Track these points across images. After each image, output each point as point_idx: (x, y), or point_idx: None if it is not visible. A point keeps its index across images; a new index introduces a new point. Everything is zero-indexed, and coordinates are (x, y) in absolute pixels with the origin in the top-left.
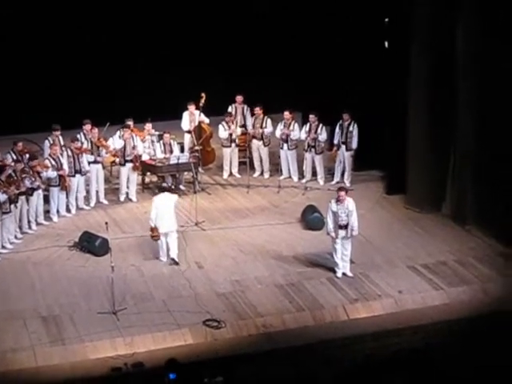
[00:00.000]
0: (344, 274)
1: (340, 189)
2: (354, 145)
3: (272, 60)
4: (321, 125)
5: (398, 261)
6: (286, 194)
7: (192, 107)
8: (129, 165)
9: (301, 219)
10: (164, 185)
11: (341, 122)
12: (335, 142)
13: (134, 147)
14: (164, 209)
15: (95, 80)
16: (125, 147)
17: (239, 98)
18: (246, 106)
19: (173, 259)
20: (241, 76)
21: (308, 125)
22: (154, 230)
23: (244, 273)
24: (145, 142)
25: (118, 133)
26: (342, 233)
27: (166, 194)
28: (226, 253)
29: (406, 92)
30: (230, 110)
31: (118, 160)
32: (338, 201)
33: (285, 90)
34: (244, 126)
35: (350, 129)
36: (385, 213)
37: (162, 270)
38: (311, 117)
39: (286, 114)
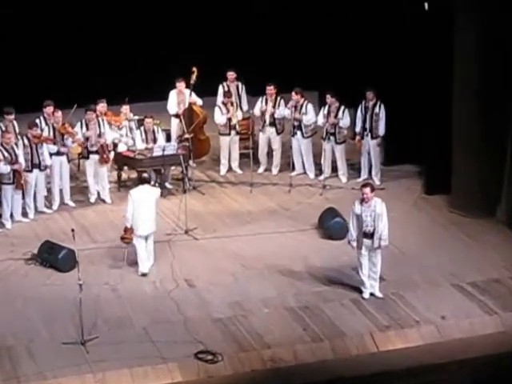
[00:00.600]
0: (372, 294)
1: (364, 185)
2: (381, 131)
3: (281, 25)
4: (342, 107)
5: (441, 278)
6: (300, 195)
7: (181, 85)
8: (94, 157)
9: (318, 226)
10: (144, 175)
11: (363, 102)
12: (357, 129)
13: (100, 135)
14: (143, 205)
15: (63, 53)
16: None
17: (231, 75)
18: (240, 84)
19: (144, 274)
20: (243, 47)
21: (326, 107)
22: (128, 231)
23: (246, 293)
24: (121, 129)
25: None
26: (367, 242)
27: (147, 187)
28: (223, 268)
29: (449, 66)
30: (220, 89)
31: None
32: (363, 201)
33: (296, 64)
34: (240, 108)
35: (376, 110)
36: (423, 217)
37: (144, 289)
38: (328, 97)
39: (295, 94)
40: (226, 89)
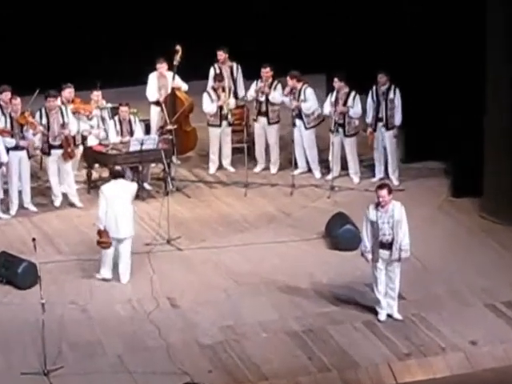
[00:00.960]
0: (390, 316)
1: (380, 186)
2: (398, 120)
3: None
4: (353, 93)
5: (470, 296)
6: (303, 197)
7: (162, 67)
8: (57, 152)
9: (325, 234)
10: (117, 168)
11: (375, 87)
12: (368, 119)
13: (63, 125)
14: (117, 204)
15: (22, 30)
16: (49, 125)
17: (221, 55)
18: (235, 65)
19: (105, 279)
20: (238, 20)
21: (334, 93)
22: (102, 233)
23: (240, 314)
24: (91, 119)
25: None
26: (384, 254)
27: (121, 182)
28: (213, 284)
29: (481, 44)
30: (212, 71)
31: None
32: (379, 205)
33: (300, 42)
34: (235, 94)
35: (390, 96)
36: (450, 224)
37: (118, 310)
38: (336, 81)
39: (290, 79)
40: (218, 71)
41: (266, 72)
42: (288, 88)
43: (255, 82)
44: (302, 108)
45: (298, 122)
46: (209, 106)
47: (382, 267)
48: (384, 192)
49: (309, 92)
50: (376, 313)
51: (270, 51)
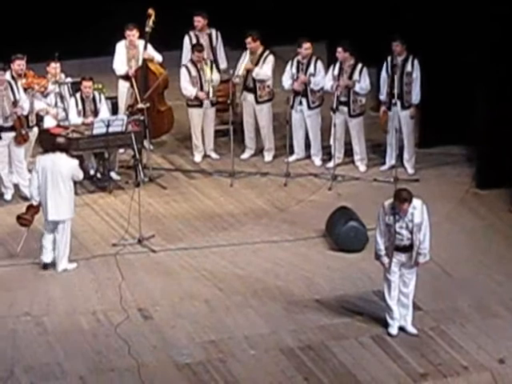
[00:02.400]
0: (402, 329)
1: (402, 199)
2: (416, 97)
3: None
4: (359, 65)
5: (498, 306)
6: (300, 189)
7: (132, 34)
8: (8, 135)
9: (326, 232)
10: (60, 140)
11: (390, 59)
12: (381, 96)
13: (14, 103)
14: (52, 179)
15: None
16: None
17: (199, 21)
18: (214, 31)
19: (45, 265)
20: None
21: (337, 65)
22: (31, 210)
23: (225, 328)
24: (47, 96)
25: None
26: (400, 257)
27: (60, 155)
28: (192, 292)
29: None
30: (187, 41)
31: None
32: (398, 213)
33: (294, 4)
34: (217, 67)
35: (408, 69)
36: (475, 221)
37: (80, 323)
38: (340, 51)
39: (306, 45)
40: (195, 40)
41: (250, 42)
42: (302, 59)
43: (243, 55)
44: (310, 83)
45: (301, 100)
46: (187, 87)
47: (396, 269)
48: (406, 206)
49: (320, 65)
50: (386, 325)
51: (256, 16)
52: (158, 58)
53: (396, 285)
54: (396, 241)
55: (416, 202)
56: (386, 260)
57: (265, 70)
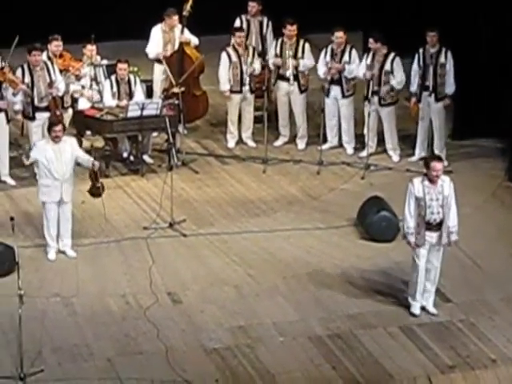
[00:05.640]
0: (424, 309)
1: (435, 158)
2: (450, 89)
3: None
4: (392, 55)
5: None
6: (333, 177)
7: (171, 19)
8: (43, 116)
9: (357, 221)
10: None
11: (422, 50)
12: (412, 88)
13: (50, 84)
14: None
15: None
16: (33, 84)
17: (254, 6)
18: (266, 19)
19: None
20: None
21: (370, 55)
22: (93, 174)
23: (254, 314)
24: (82, 79)
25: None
26: (431, 237)
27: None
28: (222, 277)
29: None
30: (237, 24)
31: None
32: (428, 179)
33: None
34: (262, 54)
35: (442, 60)
36: (507, 214)
37: (109, 306)
38: (372, 42)
39: (339, 34)
40: (240, 24)
41: (289, 30)
42: (337, 47)
43: (274, 42)
44: (344, 70)
45: (333, 88)
46: (225, 73)
47: (424, 253)
48: (440, 165)
49: (354, 53)
50: (409, 306)
51: (293, 5)
52: (195, 41)
53: (422, 268)
54: (427, 215)
55: (445, 177)
56: (412, 239)
57: (310, 61)
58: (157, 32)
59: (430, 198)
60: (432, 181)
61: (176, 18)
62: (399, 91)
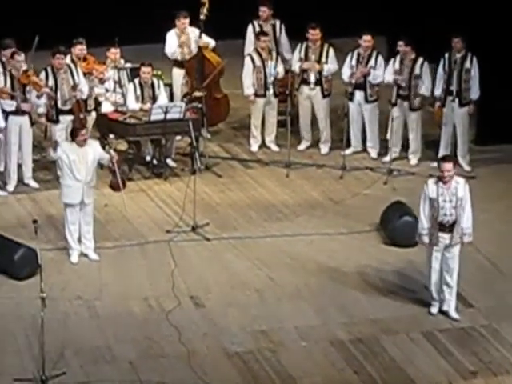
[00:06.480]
0: (444, 312)
1: (444, 159)
2: (475, 94)
3: None
4: (420, 59)
5: None
6: (356, 182)
7: (182, 22)
8: (66, 119)
9: (380, 226)
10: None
11: (447, 55)
12: (437, 92)
13: (73, 87)
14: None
15: None
16: (56, 87)
17: (265, 11)
18: (278, 22)
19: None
20: None
21: (398, 59)
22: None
23: (276, 318)
24: (106, 82)
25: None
26: (443, 237)
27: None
28: (244, 281)
29: None
30: (250, 30)
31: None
32: (441, 180)
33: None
34: (282, 58)
35: (467, 65)
36: None
37: (132, 308)
38: (401, 45)
39: (367, 37)
40: (258, 30)
41: (312, 34)
42: (363, 51)
43: (298, 47)
44: (370, 75)
45: (357, 93)
46: (248, 79)
47: (438, 255)
48: (449, 165)
49: (380, 59)
50: (429, 305)
51: (317, 9)
52: (212, 43)
53: (436, 270)
54: (439, 216)
55: (459, 179)
56: (426, 239)
57: (334, 65)
58: (171, 36)
59: (443, 199)
60: (444, 181)
61: (186, 20)
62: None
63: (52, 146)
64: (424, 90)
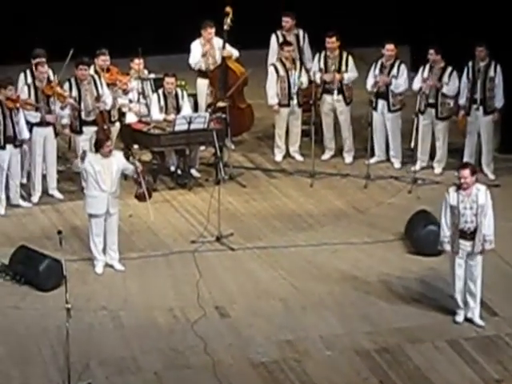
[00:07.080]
0: (469, 320)
1: (462, 166)
2: (499, 102)
3: None
4: (449, 68)
5: None
6: (380, 191)
7: (209, 32)
8: (90, 130)
9: (405, 235)
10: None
11: (471, 64)
12: (461, 100)
13: (97, 98)
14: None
15: None
16: (80, 98)
17: (288, 22)
18: (302, 32)
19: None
20: None
21: (427, 67)
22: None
23: (301, 328)
24: (129, 93)
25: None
26: (464, 245)
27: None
28: (269, 291)
29: None
30: (273, 40)
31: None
32: (460, 188)
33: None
34: (305, 67)
35: (491, 74)
36: None
37: (157, 319)
38: (432, 53)
39: (390, 46)
40: (276, 39)
41: (331, 42)
42: (386, 61)
43: (317, 56)
44: (392, 85)
45: (380, 102)
46: (273, 89)
47: (461, 262)
48: (466, 172)
49: (403, 68)
50: (454, 313)
51: (339, 18)
52: (236, 53)
53: (461, 277)
54: (460, 224)
55: (481, 186)
56: (448, 247)
57: (353, 73)
58: (196, 46)
59: (464, 206)
60: (463, 188)
61: (212, 30)
62: (452, 101)
63: (80, 156)
64: (446, 90)
